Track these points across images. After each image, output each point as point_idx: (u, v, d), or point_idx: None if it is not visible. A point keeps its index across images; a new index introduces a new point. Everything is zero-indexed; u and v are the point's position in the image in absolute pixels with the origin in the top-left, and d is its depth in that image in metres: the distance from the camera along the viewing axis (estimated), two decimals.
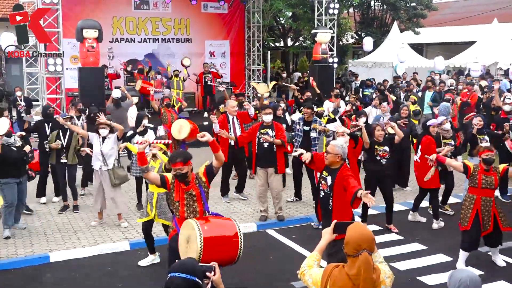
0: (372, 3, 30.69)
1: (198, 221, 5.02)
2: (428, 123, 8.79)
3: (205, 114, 16.82)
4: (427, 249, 7.65)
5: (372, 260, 3.17)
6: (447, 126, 9.11)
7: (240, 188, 10.14)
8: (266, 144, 8.56)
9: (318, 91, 13.82)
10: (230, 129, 9.54)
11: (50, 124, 9.57)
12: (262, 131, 8.57)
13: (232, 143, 9.20)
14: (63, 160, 9.03)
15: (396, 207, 9.60)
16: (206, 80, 17.35)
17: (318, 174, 6.51)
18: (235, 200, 9.95)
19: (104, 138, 8.48)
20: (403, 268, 6.95)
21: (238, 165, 10.08)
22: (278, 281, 6.20)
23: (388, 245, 7.78)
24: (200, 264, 3.01)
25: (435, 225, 8.63)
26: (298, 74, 25.29)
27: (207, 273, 2.90)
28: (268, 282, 6.56)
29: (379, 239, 7.89)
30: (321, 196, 6.07)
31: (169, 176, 5.44)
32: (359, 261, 3.11)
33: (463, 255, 6.89)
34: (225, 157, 9.65)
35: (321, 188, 6.05)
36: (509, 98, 11.02)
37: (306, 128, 9.53)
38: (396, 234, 8.29)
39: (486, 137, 9.49)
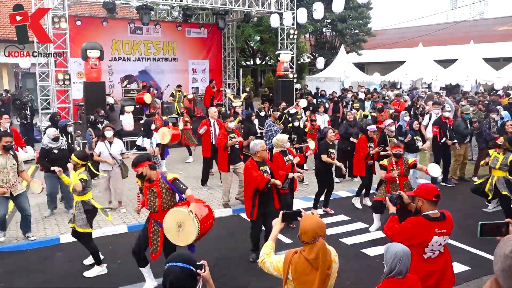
0: (324, 30, 30.99)
1: (184, 207, 4.80)
2: (367, 128, 8.92)
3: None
4: (369, 227, 7.72)
5: (325, 244, 3.06)
6: (392, 128, 9.34)
7: (204, 182, 10.00)
8: (236, 146, 8.59)
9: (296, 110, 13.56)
10: (211, 130, 9.43)
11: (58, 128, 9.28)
12: (230, 135, 8.54)
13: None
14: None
15: (344, 194, 9.72)
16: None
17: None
18: (213, 189, 9.84)
19: (110, 143, 8.28)
20: (350, 243, 7.01)
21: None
22: (251, 253, 6.20)
23: (338, 224, 7.85)
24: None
25: (354, 200, 8.86)
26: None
27: (198, 270, 2.58)
28: (244, 254, 6.50)
29: (331, 220, 8.01)
30: None
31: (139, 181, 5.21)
32: (317, 247, 2.95)
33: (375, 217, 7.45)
34: (209, 152, 9.63)
35: None
36: (449, 107, 11.28)
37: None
38: (344, 215, 8.30)
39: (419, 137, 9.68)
